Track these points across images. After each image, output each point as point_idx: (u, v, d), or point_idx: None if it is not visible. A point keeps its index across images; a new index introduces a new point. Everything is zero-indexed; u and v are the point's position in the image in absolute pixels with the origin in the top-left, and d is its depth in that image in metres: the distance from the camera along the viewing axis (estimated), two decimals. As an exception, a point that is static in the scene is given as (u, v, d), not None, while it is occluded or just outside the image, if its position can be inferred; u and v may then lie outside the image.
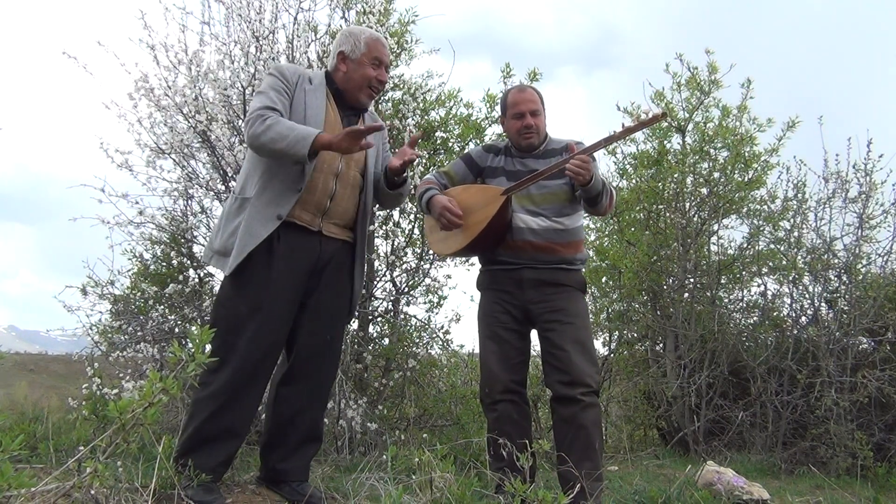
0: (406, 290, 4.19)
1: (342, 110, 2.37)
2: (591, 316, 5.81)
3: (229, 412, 2.11)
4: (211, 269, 3.62)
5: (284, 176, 2.21)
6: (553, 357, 2.51)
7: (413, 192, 3.00)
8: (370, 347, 4.06)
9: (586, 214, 2.80)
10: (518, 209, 2.58)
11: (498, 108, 4.26)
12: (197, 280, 3.64)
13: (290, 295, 2.23)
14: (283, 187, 2.20)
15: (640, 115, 2.34)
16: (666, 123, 5.39)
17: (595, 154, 2.59)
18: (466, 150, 2.90)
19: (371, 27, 3.81)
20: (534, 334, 2.71)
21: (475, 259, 3.74)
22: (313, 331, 2.31)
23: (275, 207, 2.18)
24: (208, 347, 1.66)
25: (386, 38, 3.84)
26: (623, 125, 2.36)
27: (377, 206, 2.64)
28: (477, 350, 4.81)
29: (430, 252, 4.04)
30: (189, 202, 3.90)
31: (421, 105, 4.12)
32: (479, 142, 4.30)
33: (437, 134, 4.30)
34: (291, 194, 2.20)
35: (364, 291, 4.01)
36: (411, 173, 3.81)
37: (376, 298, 4.15)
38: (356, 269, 2.42)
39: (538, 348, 2.67)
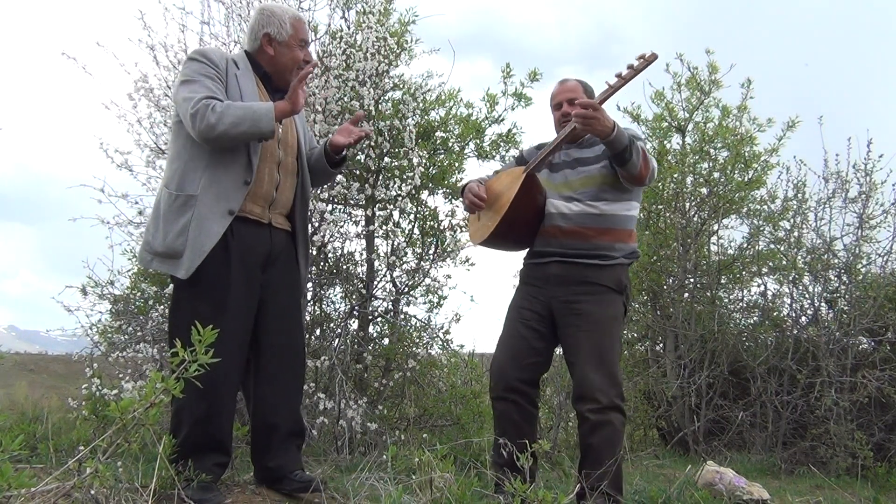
0: (406, 290, 4.19)
1: (270, 93, 2.34)
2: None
3: (212, 419, 2.11)
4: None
5: (230, 169, 2.16)
6: (569, 367, 2.46)
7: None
8: (370, 347, 4.06)
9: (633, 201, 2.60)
10: (553, 195, 2.50)
11: (498, 107, 4.28)
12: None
13: (249, 290, 2.20)
14: (231, 181, 2.15)
15: (633, 63, 2.27)
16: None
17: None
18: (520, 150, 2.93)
19: (371, 27, 3.81)
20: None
21: (475, 259, 3.73)
22: (275, 328, 2.29)
23: (225, 202, 2.13)
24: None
25: (385, 38, 3.87)
26: (617, 75, 2.31)
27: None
28: (476, 350, 4.82)
29: (430, 252, 4.05)
30: (189, 202, 3.90)
31: (421, 105, 4.12)
32: (478, 142, 4.31)
33: (437, 134, 4.30)
34: (240, 188, 2.16)
35: (364, 291, 4.01)
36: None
37: (376, 298, 4.15)
38: (299, 255, 2.41)
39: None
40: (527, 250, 2.65)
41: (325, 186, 3.63)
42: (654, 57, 2.29)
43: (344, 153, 2.41)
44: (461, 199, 2.69)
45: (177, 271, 2.11)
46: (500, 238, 2.56)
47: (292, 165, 2.36)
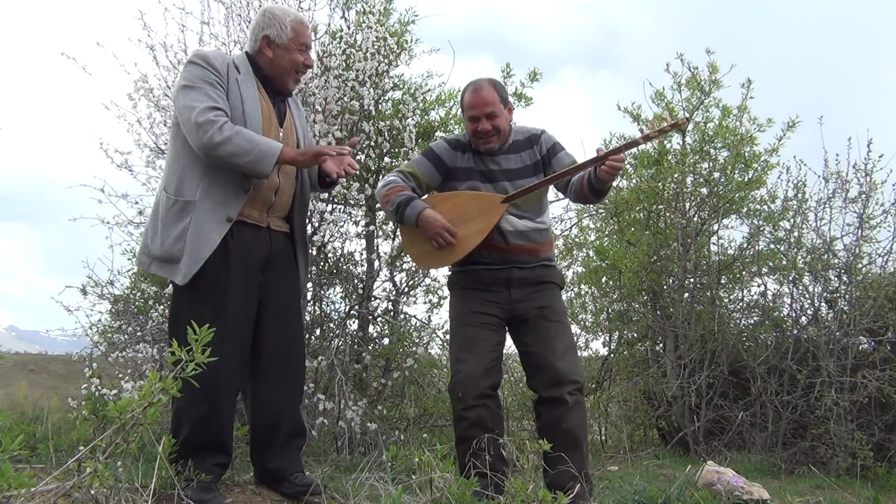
0: (406, 290, 4.19)
1: (270, 96, 2.32)
2: (591, 316, 5.85)
3: (212, 419, 2.10)
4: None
5: (229, 176, 2.15)
6: (537, 356, 2.43)
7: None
8: (370, 347, 4.06)
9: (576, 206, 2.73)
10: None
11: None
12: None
13: (248, 292, 2.21)
14: (230, 188, 2.15)
15: (656, 123, 2.31)
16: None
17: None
18: (428, 146, 2.68)
19: (371, 27, 3.80)
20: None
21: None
22: (275, 328, 2.29)
23: (223, 209, 2.13)
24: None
25: (385, 38, 3.87)
26: (642, 131, 2.32)
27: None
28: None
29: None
30: (189, 202, 3.90)
31: (421, 105, 4.12)
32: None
33: (437, 134, 4.30)
34: (240, 195, 2.16)
35: (362, 291, 4.00)
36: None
37: (376, 298, 4.15)
38: (299, 257, 2.41)
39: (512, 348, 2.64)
40: (464, 257, 2.52)
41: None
42: (685, 122, 2.31)
43: (335, 178, 2.40)
44: (403, 219, 2.46)
45: (175, 276, 2.12)
46: (457, 262, 2.52)
47: (291, 169, 2.35)
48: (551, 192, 2.83)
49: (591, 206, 2.57)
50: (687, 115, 2.33)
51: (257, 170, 2.10)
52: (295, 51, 2.29)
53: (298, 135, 2.41)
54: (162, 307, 3.74)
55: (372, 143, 3.79)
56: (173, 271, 2.12)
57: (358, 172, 2.54)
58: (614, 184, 2.42)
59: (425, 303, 4.34)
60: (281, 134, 2.30)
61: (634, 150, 5.59)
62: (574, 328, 5.69)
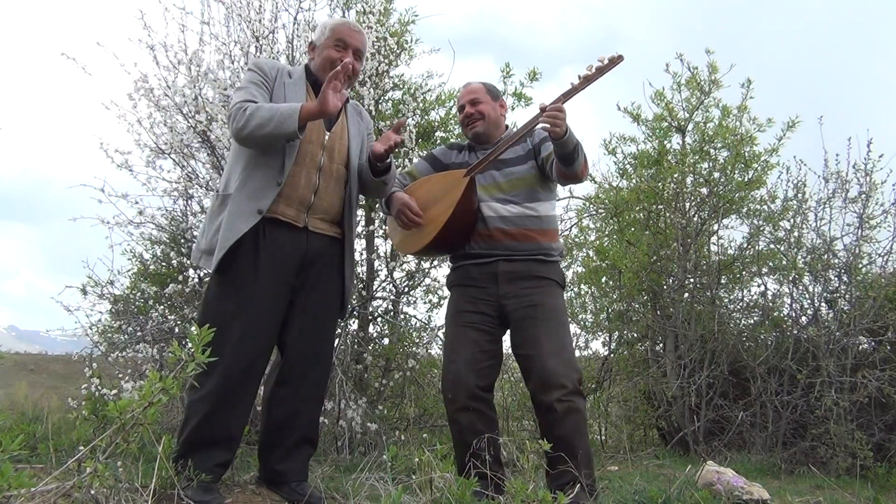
0: (406, 290, 4.20)
1: None
2: (591, 316, 5.85)
3: (222, 415, 2.09)
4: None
5: (264, 170, 2.18)
6: (527, 359, 2.37)
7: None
8: (370, 347, 4.06)
9: (561, 189, 2.66)
10: (486, 198, 2.49)
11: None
12: (197, 280, 3.64)
13: (277, 292, 2.19)
14: (263, 181, 2.18)
15: (595, 64, 2.27)
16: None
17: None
18: (429, 151, 2.82)
19: (371, 27, 3.81)
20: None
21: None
22: (304, 330, 2.28)
23: (255, 202, 2.15)
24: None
25: (385, 38, 3.87)
26: (580, 77, 2.29)
27: (362, 196, 2.66)
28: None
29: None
30: (189, 202, 3.91)
31: (421, 105, 4.13)
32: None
33: (437, 134, 4.30)
34: (272, 188, 2.17)
35: (364, 292, 4.00)
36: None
37: (376, 298, 4.15)
38: (346, 264, 2.38)
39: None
40: (455, 253, 2.58)
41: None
42: (618, 59, 2.28)
43: (388, 161, 2.37)
44: (383, 208, 2.63)
45: (209, 266, 2.18)
46: (435, 246, 2.50)
47: (339, 172, 2.33)
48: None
49: (577, 183, 2.49)
50: (620, 53, 2.32)
51: (284, 130, 2.10)
52: (330, 47, 2.32)
53: (350, 138, 2.38)
54: (162, 307, 3.74)
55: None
56: (210, 262, 2.18)
57: (404, 145, 2.57)
58: (589, 157, 2.27)
59: (425, 303, 4.35)
60: (326, 137, 2.29)
61: (635, 150, 5.59)
62: (574, 328, 5.69)
